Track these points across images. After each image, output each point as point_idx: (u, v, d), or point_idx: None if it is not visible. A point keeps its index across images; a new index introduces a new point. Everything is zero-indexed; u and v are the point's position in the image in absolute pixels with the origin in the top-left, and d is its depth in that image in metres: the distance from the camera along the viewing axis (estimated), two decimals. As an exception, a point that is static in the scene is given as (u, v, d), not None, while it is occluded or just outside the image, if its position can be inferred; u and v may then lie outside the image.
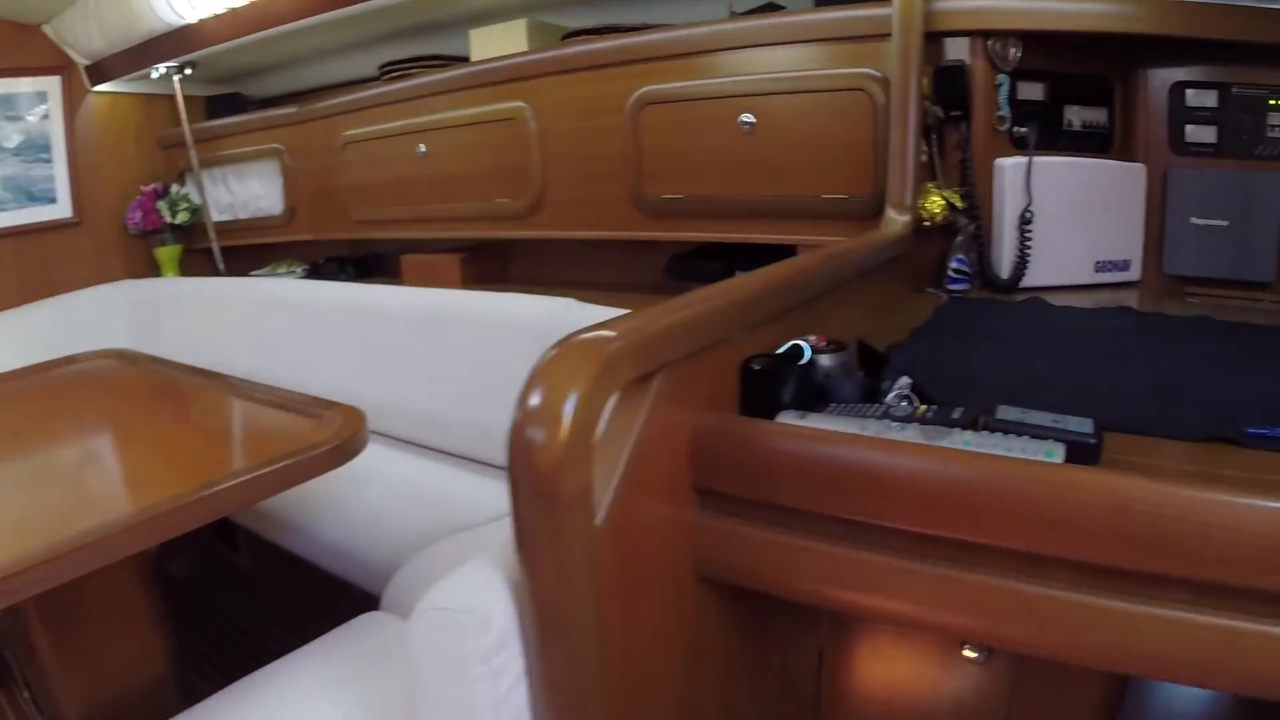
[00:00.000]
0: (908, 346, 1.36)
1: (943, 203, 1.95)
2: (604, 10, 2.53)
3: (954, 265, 1.98)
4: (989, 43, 1.99)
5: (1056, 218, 2.00)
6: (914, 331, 1.49)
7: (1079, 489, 0.81)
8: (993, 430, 0.92)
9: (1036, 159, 1.99)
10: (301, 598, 2.33)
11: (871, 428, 0.97)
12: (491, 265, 2.72)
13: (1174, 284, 2.10)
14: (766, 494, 0.99)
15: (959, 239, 1.99)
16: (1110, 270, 2.07)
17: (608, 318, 0.95)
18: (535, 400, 0.80)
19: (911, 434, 0.95)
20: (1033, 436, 0.90)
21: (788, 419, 1.02)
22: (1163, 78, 2.10)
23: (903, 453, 0.91)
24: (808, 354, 1.09)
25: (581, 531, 0.84)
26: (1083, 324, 1.69)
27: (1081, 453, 0.88)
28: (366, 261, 3.10)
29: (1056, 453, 0.87)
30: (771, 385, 1.04)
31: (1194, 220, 2.05)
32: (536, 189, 2.43)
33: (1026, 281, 1.99)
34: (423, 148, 2.64)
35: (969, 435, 0.91)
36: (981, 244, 2.01)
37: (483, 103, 2.52)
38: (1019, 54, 2.02)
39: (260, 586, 2.52)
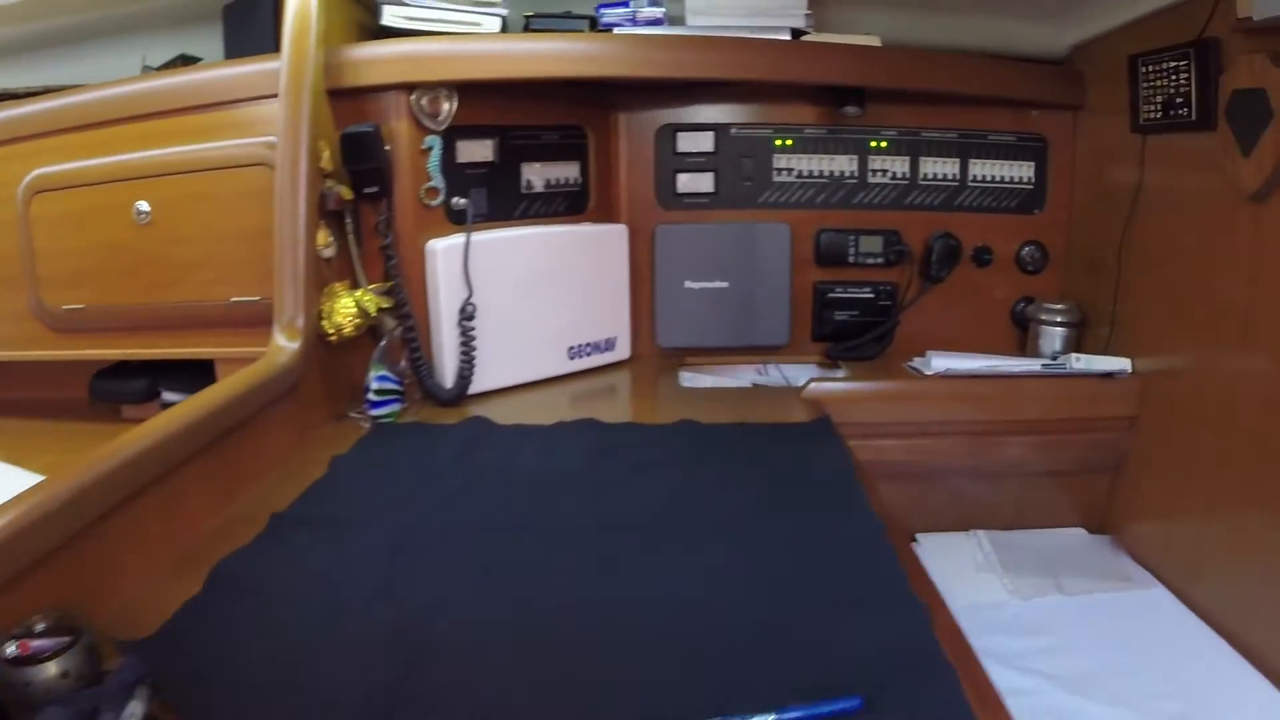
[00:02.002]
0: (199, 604, 0.84)
1: (354, 309, 1.47)
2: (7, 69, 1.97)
3: (375, 384, 1.49)
4: (413, 97, 1.51)
5: (516, 302, 1.53)
6: (276, 518, 1.01)
7: None
8: None
9: (486, 234, 1.52)
10: None
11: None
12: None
13: (672, 359, 1.68)
14: None
15: (382, 345, 1.51)
16: (592, 353, 1.62)
17: None
18: None
19: None
20: None
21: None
22: (647, 121, 1.66)
23: None
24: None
25: None
26: (520, 463, 1.20)
27: None
28: None
29: None
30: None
31: (689, 284, 1.62)
32: (-63, 301, 1.86)
33: (479, 386, 1.52)
34: None
35: None
36: (416, 350, 1.54)
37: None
38: (454, 108, 1.54)
39: None
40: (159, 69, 1.72)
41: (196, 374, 1.68)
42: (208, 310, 1.59)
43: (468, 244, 1.48)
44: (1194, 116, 1.42)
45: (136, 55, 1.79)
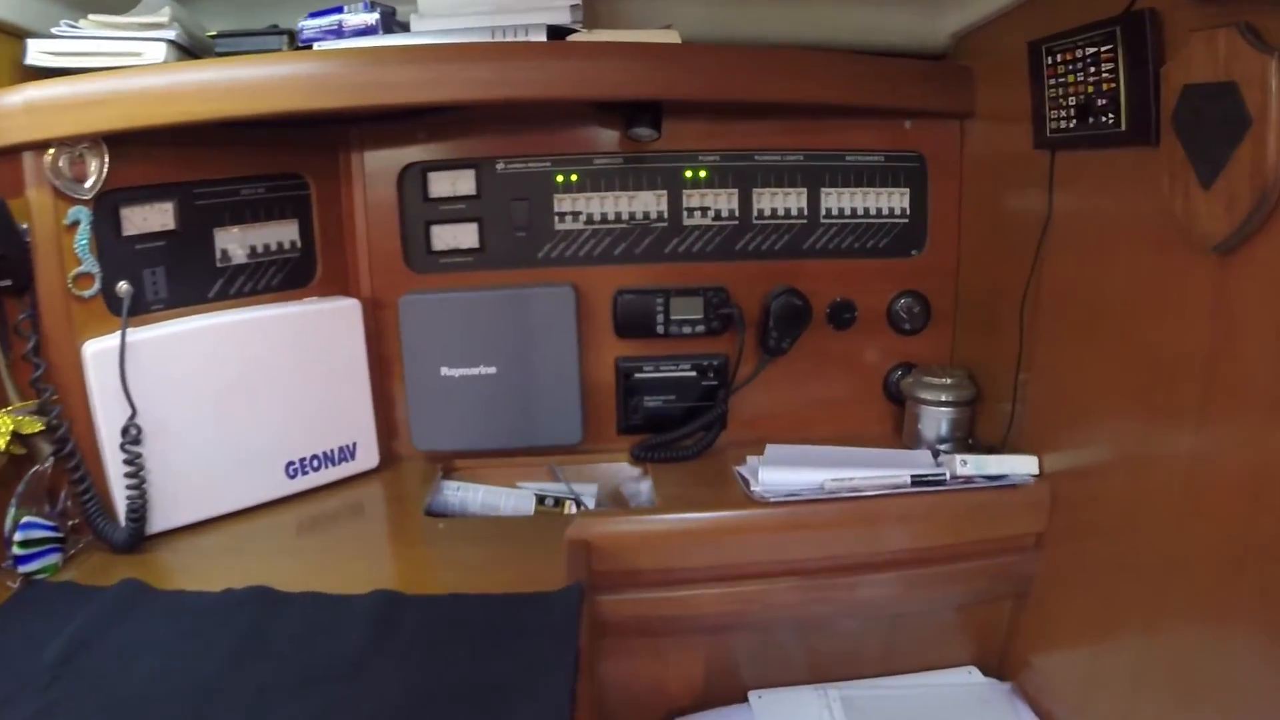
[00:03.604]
0: None
1: (-24, 438, 0.89)
2: None
3: (19, 534, 0.92)
4: (48, 158, 0.90)
5: (211, 412, 0.96)
6: None
7: None
8: None
9: (164, 328, 0.94)
10: None
11: None
12: None
13: (439, 462, 1.07)
14: None
15: (24, 482, 0.94)
16: (322, 467, 1.03)
17: None
18: None
19: None
20: None
21: None
22: (388, 161, 1.03)
23: None
24: None
25: None
26: (133, 670, 0.70)
27: None
28: None
29: None
30: None
31: (447, 371, 1.00)
32: None
33: (165, 523, 0.95)
34: None
35: None
36: (83, 483, 0.96)
37: None
38: (104, 168, 0.93)
39: None
40: None
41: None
42: None
43: (123, 346, 0.88)
44: (1124, 126, 0.76)
45: None
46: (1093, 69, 0.80)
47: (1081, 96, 0.82)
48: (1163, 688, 0.74)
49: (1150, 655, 0.75)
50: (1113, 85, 0.78)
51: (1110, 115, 0.79)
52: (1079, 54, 0.82)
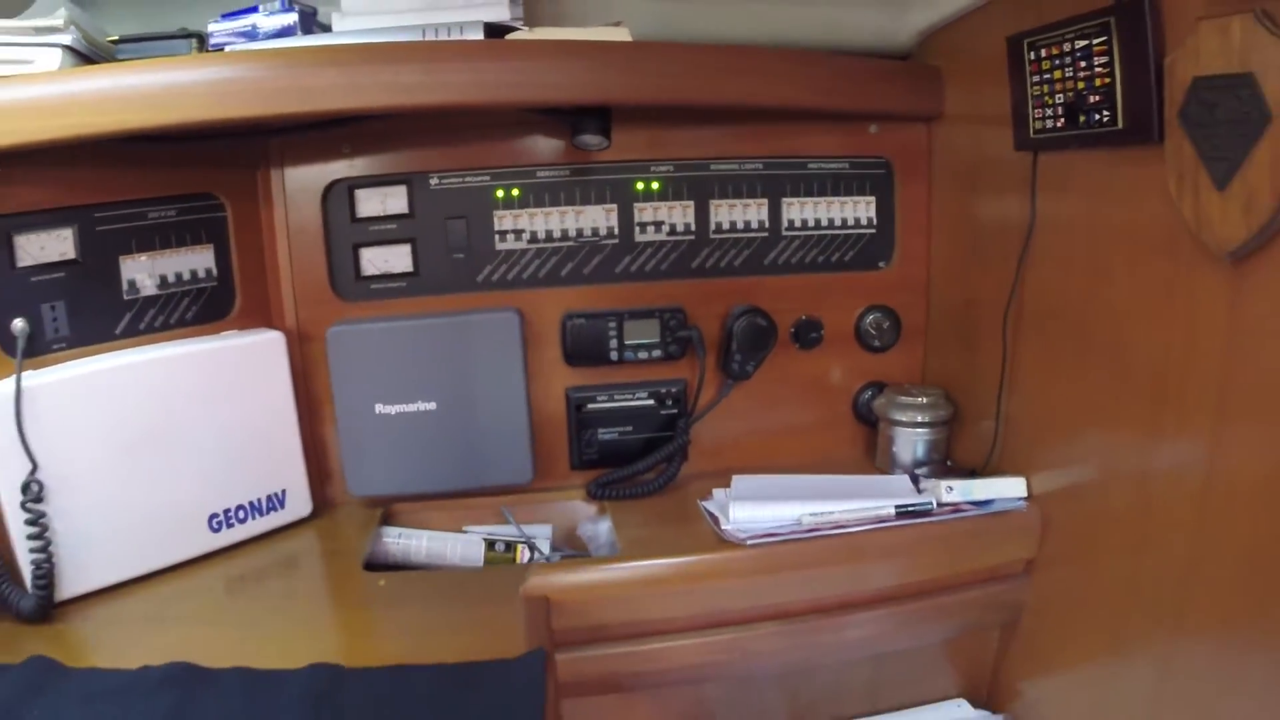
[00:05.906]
0: None
1: None
2: None
3: None
4: None
5: (121, 462, 0.77)
6: None
7: None
8: None
9: (66, 370, 0.76)
10: None
11: None
12: None
13: (378, 507, 0.90)
14: None
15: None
16: (249, 518, 0.86)
17: None
18: None
19: None
20: None
21: None
22: (310, 178, 0.86)
23: None
24: None
25: None
26: None
27: None
28: None
29: None
30: None
31: (381, 409, 0.83)
32: None
33: (77, 587, 0.77)
34: None
35: None
36: None
37: None
38: None
39: None
40: None
41: None
42: None
43: (18, 392, 0.70)
44: (1121, 124, 0.61)
45: None
46: (1083, 63, 0.67)
47: (1070, 94, 0.69)
48: (1183, 714, 0.61)
49: (1165, 682, 0.65)
50: (1107, 80, 0.65)
51: (1104, 112, 0.66)
52: (1066, 48, 0.69)
